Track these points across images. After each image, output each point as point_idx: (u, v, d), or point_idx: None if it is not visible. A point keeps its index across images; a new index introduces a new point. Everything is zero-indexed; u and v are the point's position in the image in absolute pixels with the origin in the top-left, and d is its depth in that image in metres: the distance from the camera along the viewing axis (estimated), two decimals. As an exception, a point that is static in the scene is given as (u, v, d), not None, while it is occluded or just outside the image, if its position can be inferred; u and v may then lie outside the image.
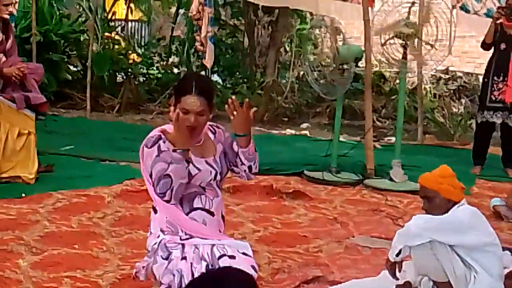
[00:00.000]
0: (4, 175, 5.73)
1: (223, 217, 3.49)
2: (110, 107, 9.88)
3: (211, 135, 3.48)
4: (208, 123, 3.44)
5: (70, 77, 10.04)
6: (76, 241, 4.41)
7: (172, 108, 3.34)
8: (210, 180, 3.39)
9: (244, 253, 3.29)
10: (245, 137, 3.40)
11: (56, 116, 8.92)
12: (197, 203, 3.35)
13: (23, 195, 5.35)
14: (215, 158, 3.44)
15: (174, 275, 3.23)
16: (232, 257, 3.22)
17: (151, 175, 3.27)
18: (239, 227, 4.93)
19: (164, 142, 3.27)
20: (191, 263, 3.23)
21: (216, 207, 3.41)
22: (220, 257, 3.21)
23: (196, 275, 3.19)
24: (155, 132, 3.33)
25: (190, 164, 3.32)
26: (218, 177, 3.42)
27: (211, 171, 3.38)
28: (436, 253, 3.33)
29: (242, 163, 3.45)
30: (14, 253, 4.17)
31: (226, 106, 3.34)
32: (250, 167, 3.47)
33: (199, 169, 3.34)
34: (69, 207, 5.16)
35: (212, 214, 3.39)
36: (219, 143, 3.48)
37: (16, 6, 7.27)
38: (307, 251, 4.50)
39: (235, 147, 3.45)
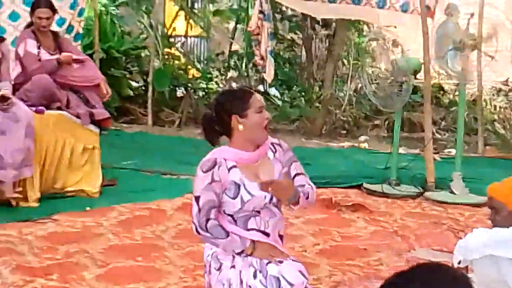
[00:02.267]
0: (69, 189, 5.88)
1: (281, 236, 3.40)
2: (171, 122, 10.01)
3: (271, 155, 3.39)
4: (271, 139, 3.42)
5: (131, 93, 10.22)
6: (139, 254, 4.50)
7: (239, 126, 3.27)
8: (265, 204, 3.30)
9: (292, 260, 3.30)
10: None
11: (119, 131, 9.09)
12: (251, 224, 3.29)
13: (88, 208, 5.48)
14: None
15: (223, 284, 3.27)
16: (279, 262, 3.23)
17: (197, 199, 3.25)
18: (299, 240, 4.95)
19: (219, 168, 3.21)
20: (240, 271, 3.25)
21: (273, 227, 3.33)
22: (268, 263, 3.22)
23: (244, 281, 3.22)
24: (212, 155, 3.26)
25: (242, 189, 3.25)
26: (274, 200, 3.32)
27: (265, 196, 3.28)
28: (500, 267, 3.27)
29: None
30: (79, 265, 4.28)
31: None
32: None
33: (251, 195, 3.25)
34: (132, 220, 5.26)
35: (267, 235, 3.31)
36: (278, 162, 3.40)
37: (82, 24, 7.43)
38: (367, 264, 4.49)
39: (293, 171, 3.39)
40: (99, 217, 5.26)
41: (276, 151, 3.42)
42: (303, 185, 3.37)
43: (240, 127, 3.27)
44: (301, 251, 4.63)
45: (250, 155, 3.31)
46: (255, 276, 3.22)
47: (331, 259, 4.58)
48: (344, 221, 5.52)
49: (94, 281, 4.03)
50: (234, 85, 11.00)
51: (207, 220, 3.20)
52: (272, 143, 3.42)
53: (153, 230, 5.03)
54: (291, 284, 3.19)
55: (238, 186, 3.25)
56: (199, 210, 3.21)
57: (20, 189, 5.43)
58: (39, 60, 5.93)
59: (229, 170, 3.24)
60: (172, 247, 4.70)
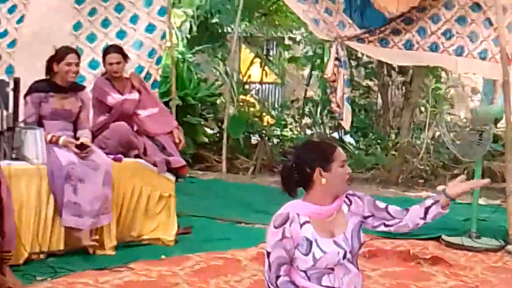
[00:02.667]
0: (145, 237, 5.91)
1: None
2: (245, 169, 10.04)
3: (345, 208, 3.34)
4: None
5: (206, 140, 10.32)
6: (214, 304, 4.46)
7: (322, 179, 3.24)
8: (339, 261, 3.23)
9: None
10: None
11: (193, 178, 9.15)
12: (325, 281, 3.21)
13: (163, 257, 5.49)
14: (346, 236, 3.28)
15: None
16: None
17: (268, 254, 3.20)
18: (365, 279, 4.82)
19: (291, 224, 3.17)
20: None
21: (348, 285, 3.24)
22: None
23: None
24: (285, 210, 3.23)
25: (314, 246, 3.19)
26: (349, 256, 3.25)
27: (338, 252, 3.21)
28: None
29: (421, 218, 3.37)
30: (154, 315, 4.26)
31: None
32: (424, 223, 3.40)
33: (324, 252, 3.19)
34: (207, 269, 5.23)
35: None
36: (353, 215, 3.34)
37: (159, 71, 7.56)
38: (447, 321, 4.35)
39: (381, 204, 3.37)
40: (175, 266, 5.25)
41: (351, 203, 3.37)
42: (406, 209, 3.39)
43: (323, 180, 3.23)
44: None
45: (325, 210, 3.26)
46: None
47: (409, 314, 4.44)
48: (422, 274, 5.36)
49: (169, 331, 4.00)
50: (309, 132, 10.98)
51: (277, 277, 3.16)
52: (346, 195, 3.37)
53: (228, 280, 4.98)
54: None
55: (310, 242, 3.19)
56: (269, 265, 3.17)
57: (97, 237, 5.48)
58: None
59: (301, 226, 3.19)
60: (247, 298, 4.64)
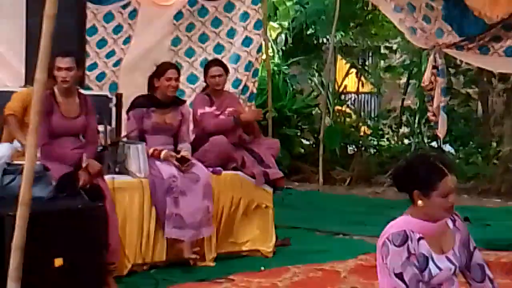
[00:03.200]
0: (244, 248, 5.96)
1: None
2: (342, 180, 9.98)
3: (450, 224, 3.28)
4: None
5: (303, 151, 10.32)
6: (315, 317, 4.45)
7: (419, 201, 3.16)
8: (448, 276, 3.19)
9: None
10: None
11: (290, 189, 9.16)
12: None
13: (262, 268, 5.51)
14: (455, 251, 3.24)
15: None
16: None
17: (398, 275, 3.11)
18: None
19: (411, 241, 3.13)
20: None
21: None
22: None
23: None
24: (400, 228, 3.17)
25: (430, 262, 3.14)
26: (457, 271, 3.22)
27: (450, 268, 3.17)
28: None
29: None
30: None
31: None
32: None
33: (439, 268, 3.15)
34: (306, 281, 5.22)
35: None
36: (457, 232, 3.28)
37: (256, 84, 7.62)
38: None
39: (472, 245, 3.28)
40: (274, 277, 5.27)
41: (455, 220, 3.30)
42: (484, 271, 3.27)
43: (420, 203, 3.17)
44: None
45: (433, 227, 3.19)
46: None
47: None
48: (528, 289, 5.19)
49: None
50: (406, 141, 10.81)
51: None
52: None
53: (327, 293, 4.97)
54: None
55: (427, 258, 3.14)
56: (407, 286, 3.08)
57: (198, 248, 5.56)
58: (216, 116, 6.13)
59: (417, 241, 3.15)
60: (347, 310, 4.61)
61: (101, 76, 7.03)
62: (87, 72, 6.67)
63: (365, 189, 9.69)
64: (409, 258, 3.11)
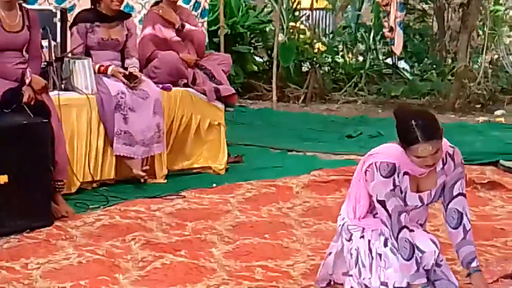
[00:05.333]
0: (195, 165, 5.90)
1: (421, 225, 3.42)
2: (296, 98, 9.90)
3: (439, 166, 3.27)
4: (447, 147, 3.29)
5: (256, 69, 10.19)
6: (267, 231, 4.44)
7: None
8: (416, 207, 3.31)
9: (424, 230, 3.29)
10: None
11: (244, 107, 9.09)
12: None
13: (214, 185, 5.48)
14: (431, 192, 3.31)
15: (352, 254, 3.30)
16: (411, 230, 3.20)
17: (381, 202, 3.20)
18: (432, 219, 4.69)
19: (398, 175, 3.19)
20: (369, 240, 3.26)
21: (413, 217, 3.32)
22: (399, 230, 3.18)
23: (374, 250, 3.21)
24: (391, 159, 3.19)
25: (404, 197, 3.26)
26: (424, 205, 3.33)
27: (417, 205, 3.29)
28: None
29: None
30: (207, 242, 4.27)
31: None
32: None
33: (407, 204, 3.26)
34: (259, 197, 5.21)
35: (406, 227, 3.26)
36: (443, 175, 3.30)
37: (208, 0, 7.43)
38: (505, 245, 4.25)
39: (456, 190, 3.31)
40: (226, 194, 5.24)
41: (446, 163, 3.29)
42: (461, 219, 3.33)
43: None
44: (434, 230, 4.41)
45: (421, 171, 3.22)
46: (385, 244, 3.20)
47: (466, 239, 4.34)
48: (479, 200, 5.25)
49: (222, 257, 4.00)
50: (361, 58, 10.73)
51: (400, 229, 3.16)
52: (447, 152, 3.27)
53: (280, 208, 4.96)
54: (422, 252, 3.17)
55: (403, 193, 3.23)
56: (390, 215, 3.17)
57: (148, 167, 5.49)
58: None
59: (403, 175, 3.22)
60: (300, 225, 4.61)
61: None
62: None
63: (319, 106, 9.65)
64: (394, 190, 3.19)
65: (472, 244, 3.36)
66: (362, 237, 3.28)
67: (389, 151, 3.23)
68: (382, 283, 3.21)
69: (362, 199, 3.30)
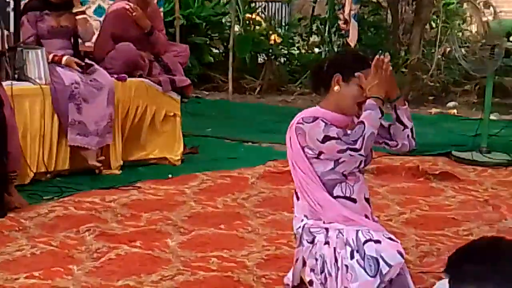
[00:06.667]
0: (151, 156, 5.87)
1: (367, 200, 3.37)
2: (252, 89, 9.91)
3: (356, 119, 3.33)
4: None
5: (212, 60, 10.17)
6: (222, 222, 4.45)
7: (335, 87, 3.24)
8: (354, 169, 3.26)
9: (390, 238, 3.20)
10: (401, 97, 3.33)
11: (199, 98, 9.08)
12: (337, 192, 3.26)
13: (170, 176, 5.47)
14: None
15: (317, 259, 3.23)
16: (377, 241, 3.14)
17: (324, 139, 3.16)
18: (385, 209, 4.80)
19: (322, 121, 3.20)
20: (334, 248, 3.19)
21: (358, 192, 3.29)
22: (365, 242, 3.13)
23: (340, 260, 3.15)
24: (310, 114, 3.23)
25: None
26: (362, 165, 3.28)
27: (359, 161, 3.24)
28: None
29: (404, 128, 3.33)
30: (162, 232, 4.26)
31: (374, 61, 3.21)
32: (412, 129, 3.35)
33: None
34: (214, 188, 5.22)
35: (354, 200, 3.28)
36: None
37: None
38: (456, 234, 4.33)
39: (385, 124, 3.33)
40: (182, 185, 5.24)
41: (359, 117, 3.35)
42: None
43: (336, 88, 3.24)
44: (387, 220, 4.49)
45: (343, 118, 3.26)
46: (352, 256, 3.13)
47: (418, 228, 4.42)
48: (431, 190, 5.33)
49: (177, 248, 4.00)
50: (317, 50, 10.80)
51: (354, 141, 3.12)
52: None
53: (235, 198, 4.97)
54: (389, 265, 3.09)
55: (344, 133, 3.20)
56: (337, 139, 3.14)
57: (103, 157, 5.46)
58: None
59: (330, 126, 3.20)
60: (255, 215, 4.63)
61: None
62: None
63: (275, 98, 9.68)
64: (327, 124, 3.17)
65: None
66: (327, 243, 3.21)
67: (306, 111, 3.29)
68: None
69: (309, 172, 3.26)
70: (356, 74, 3.21)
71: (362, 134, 3.13)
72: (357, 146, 3.14)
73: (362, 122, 3.14)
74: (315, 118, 3.20)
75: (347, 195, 3.26)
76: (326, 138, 3.16)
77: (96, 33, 5.99)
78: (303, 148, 3.24)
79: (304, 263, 3.33)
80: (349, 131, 3.18)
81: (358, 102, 3.22)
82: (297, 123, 3.22)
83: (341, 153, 3.17)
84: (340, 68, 3.25)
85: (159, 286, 3.51)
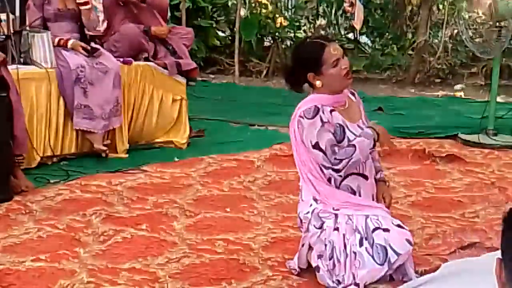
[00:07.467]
0: (157, 140, 5.88)
1: (375, 179, 3.44)
2: (258, 72, 9.88)
3: (352, 97, 3.44)
4: None
5: (218, 43, 10.14)
6: (228, 205, 4.46)
7: (317, 82, 3.28)
8: (370, 150, 3.32)
9: (398, 225, 3.23)
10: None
11: (206, 81, 9.06)
12: (343, 187, 3.32)
13: (176, 159, 5.47)
14: (363, 120, 3.40)
15: (326, 245, 3.25)
16: (386, 230, 3.18)
17: (315, 145, 3.23)
18: (391, 191, 4.79)
19: (323, 112, 3.23)
20: (344, 234, 3.21)
21: (369, 169, 3.37)
22: (374, 230, 3.17)
23: (348, 247, 3.18)
24: (308, 103, 3.27)
25: (347, 131, 3.28)
26: (372, 144, 3.32)
27: (368, 139, 3.29)
28: None
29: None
30: (169, 216, 4.27)
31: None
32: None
33: (355, 135, 3.28)
34: (220, 171, 5.22)
35: (366, 177, 3.34)
36: (360, 104, 3.47)
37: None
38: (462, 217, 4.32)
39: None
40: (188, 168, 5.24)
41: (355, 95, 3.48)
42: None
43: (318, 83, 3.27)
44: (393, 203, 4.46)
45: (339, 97, 3.32)
46: (361, 244, 3.16)
47: (424, 211, 4.42)
48: (438, 172, 5.32)
49: (183, 231, 4.02)
50: (323, 33, 10.76)
51: (337, 158, 3.20)
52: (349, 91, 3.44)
53: (241, 181, 4.97)
54: (398, 254, 3.11)
55: (343, 128, 3.26)
56: (325, 154, 3.21)
57: (109, 141, 5.46)
58: None
59: (331, 113, 3.25)
60: (261, 198, 4.64)
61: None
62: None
63: (281, 80, 9.58)
64: (324, 125, 3.22)
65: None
66: (336, 229, 3.23)
67: (306, 100, 3.32)
68: (355, 284, 3.18)
69: (309, 164, 3.31)
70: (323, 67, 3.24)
71: (349, 158, 3.19)
72: (339, 167, 3.20)
73: (354, 146, 3.20)
74: (316, 112, 3.22)
75: (360, 171, 3.32)
76: (316, 146, 3.22)
77: (101, 22, 5.97)
78: (303, 141, 3.30)
79: (310, 248, 3.33)
80: (340, 144, 3.23)
81: (345, 74, 3.26)
82: (299, 116, 3.26)
83: (323, 167, 3.25)
84: (308, 68, 3.27)
85: (165, 268, 3.53)
